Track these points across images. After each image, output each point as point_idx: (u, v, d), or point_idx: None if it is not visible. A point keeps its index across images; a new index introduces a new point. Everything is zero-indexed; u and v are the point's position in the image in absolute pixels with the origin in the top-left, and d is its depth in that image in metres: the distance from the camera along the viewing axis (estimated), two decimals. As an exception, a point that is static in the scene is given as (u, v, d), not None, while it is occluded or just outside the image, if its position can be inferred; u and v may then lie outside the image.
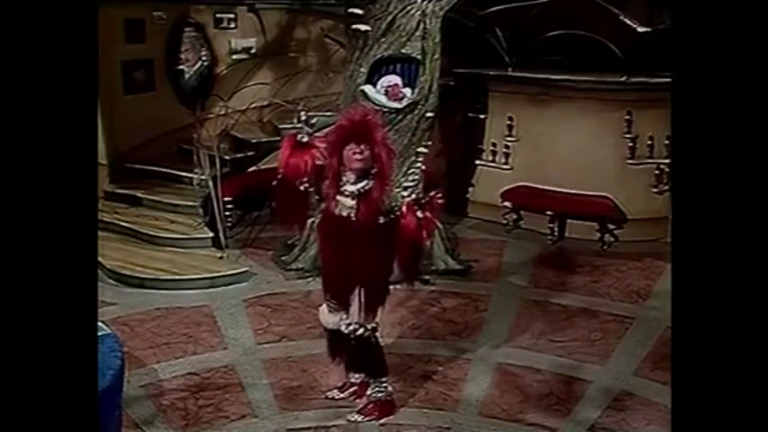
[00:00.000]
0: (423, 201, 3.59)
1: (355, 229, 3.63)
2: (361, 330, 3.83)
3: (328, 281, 3.90)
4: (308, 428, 4.01)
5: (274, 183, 3.63)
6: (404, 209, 3.59)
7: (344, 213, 3.64)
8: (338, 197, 3.64)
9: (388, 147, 3.66)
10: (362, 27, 5.56)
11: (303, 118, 3.63)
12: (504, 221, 6.89)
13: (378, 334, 3.93)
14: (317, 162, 3.59)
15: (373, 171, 3.60)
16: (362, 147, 3.55)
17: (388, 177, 3.68)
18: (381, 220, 3.62)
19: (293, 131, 3.66)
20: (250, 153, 7.38)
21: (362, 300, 3.77)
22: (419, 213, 3.53)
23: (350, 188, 3.62)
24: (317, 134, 3.70)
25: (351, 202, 3.62)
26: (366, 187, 3.61)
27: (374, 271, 3.73)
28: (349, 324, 3.83)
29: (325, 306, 3.97)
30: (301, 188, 3.61)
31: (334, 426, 4.01)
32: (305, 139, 3.57)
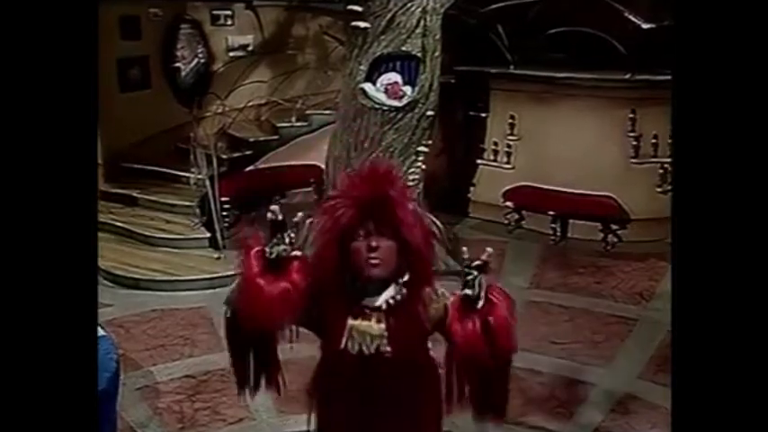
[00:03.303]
0: (474, 285, 2.17)
1: (392, 372, 2.19)
2: None
3: None
4: (307, 432, 3.97)
5: (231, 329, 2.30)
6: (450, 308, 2.21)
7: (368, 350, 2.17)
8: (351, 322, 2.17)
9: (424, 229, 2.19)
10: (362, 24, 5.52)
11: (273, 217, 2.10)
12: (506, 221, 6.85)
13: None
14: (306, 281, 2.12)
15: (403, 275, 2.19)
16: (381, 238, 2.10)
17: (429, 279, 2.24)
18: (429, 344, 2.25)
19: (258, 239, 2.13)
20: (248, 152, 7.34)
21: None
22: (478, 305, 2.16)
23: (371, 302, 2.17)
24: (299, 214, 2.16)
25: (378, 328, 2.16)
26: (399, 296, 2.19)
27: None
28: None
29: None
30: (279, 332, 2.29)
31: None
32: (284, 253, 2.09)
